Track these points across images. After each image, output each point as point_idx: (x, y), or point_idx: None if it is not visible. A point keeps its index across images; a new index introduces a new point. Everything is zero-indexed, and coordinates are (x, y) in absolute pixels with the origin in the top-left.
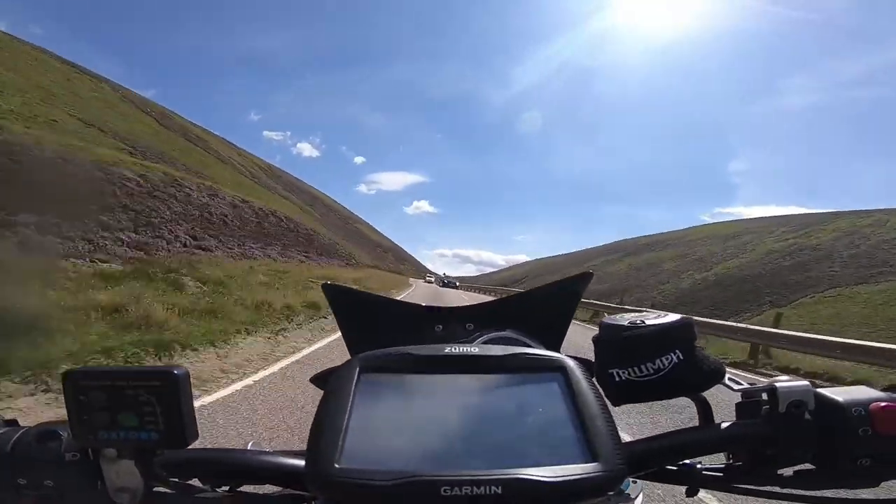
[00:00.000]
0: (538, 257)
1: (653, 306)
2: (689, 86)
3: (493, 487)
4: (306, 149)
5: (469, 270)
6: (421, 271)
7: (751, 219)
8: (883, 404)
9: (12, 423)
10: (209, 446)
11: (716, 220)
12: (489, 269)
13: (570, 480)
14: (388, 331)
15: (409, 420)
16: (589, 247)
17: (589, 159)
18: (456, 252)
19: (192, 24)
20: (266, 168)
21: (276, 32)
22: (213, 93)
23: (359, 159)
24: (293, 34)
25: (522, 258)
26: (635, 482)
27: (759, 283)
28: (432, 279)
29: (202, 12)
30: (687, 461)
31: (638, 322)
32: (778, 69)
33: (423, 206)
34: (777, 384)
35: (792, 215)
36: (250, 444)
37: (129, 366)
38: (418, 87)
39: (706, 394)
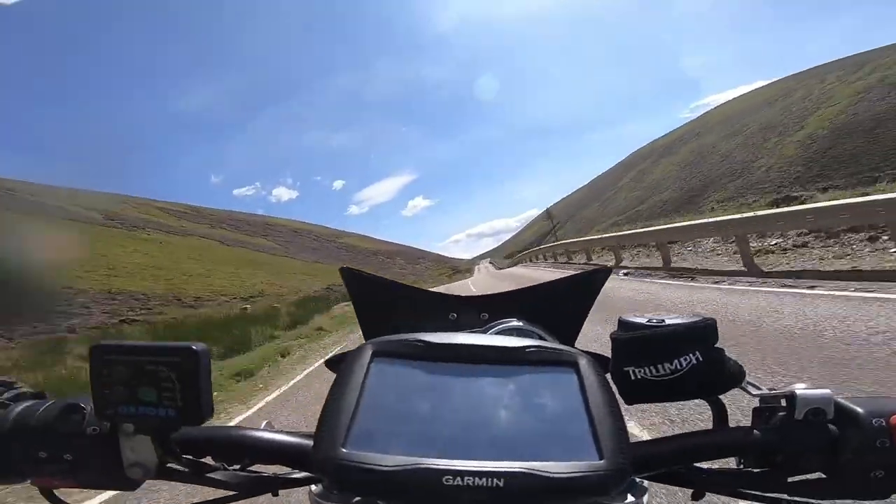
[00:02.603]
0: (551, 203)
1: (766, 193)
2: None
3: (496, 480)
4: (283, 193)
5: (488, 244)
6: (444, 264)
7: (774, 81)
8: None
9: (39, 395)
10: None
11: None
12: (507, 236)
13: (573, 477)
14: (403, 317)
15: (419, 407)
16: (602, 171)
17: (550, 100)
18: (468, 232)
19: (110, 107)
20: (189, 210)
21: (201, 90)
22: (161, 169)
23: (338, 183)
24: (218, 86)
25: (534, 212)
26: (641, 482)
27: None
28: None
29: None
30: (696, 464)
31: (657, 321)
32: None
33: (419, 202)
34: (797, 391)
35: (846, 58)
36: (263, 423)
37: (153, 341)
38: (365, 93)
39: (725, 397)
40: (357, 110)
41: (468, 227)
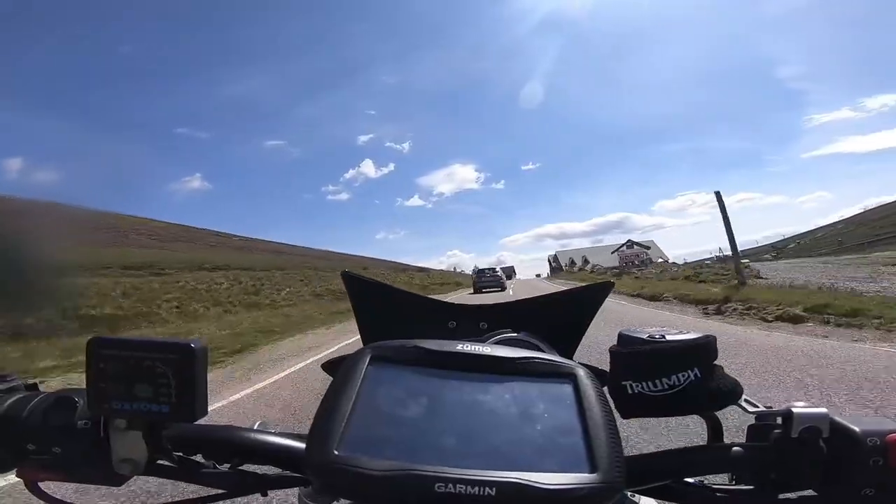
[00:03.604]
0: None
1: None
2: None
3: (487, 489)
4: (369, 168)
5: (552, 247)
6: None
7: None
8: None
9: (33, 388)
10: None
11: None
12: (585, 242)
13: (565, 489)
14: (402, 323)
15: (414, 413)
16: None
17: (623, 105)
18: (536, 233)
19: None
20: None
21: (249, 79)
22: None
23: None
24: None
25: (603, 219)
26: (633, 496)
27: None
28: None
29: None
30: (689, 479)
31: (657, 336)
32: None
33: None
34: (793, 409)
35: None
36: (257, 423)
37: (150, 337)
38: (421, 85)
39: (720, 414)
40: (406, 99)
41: (533, 227)
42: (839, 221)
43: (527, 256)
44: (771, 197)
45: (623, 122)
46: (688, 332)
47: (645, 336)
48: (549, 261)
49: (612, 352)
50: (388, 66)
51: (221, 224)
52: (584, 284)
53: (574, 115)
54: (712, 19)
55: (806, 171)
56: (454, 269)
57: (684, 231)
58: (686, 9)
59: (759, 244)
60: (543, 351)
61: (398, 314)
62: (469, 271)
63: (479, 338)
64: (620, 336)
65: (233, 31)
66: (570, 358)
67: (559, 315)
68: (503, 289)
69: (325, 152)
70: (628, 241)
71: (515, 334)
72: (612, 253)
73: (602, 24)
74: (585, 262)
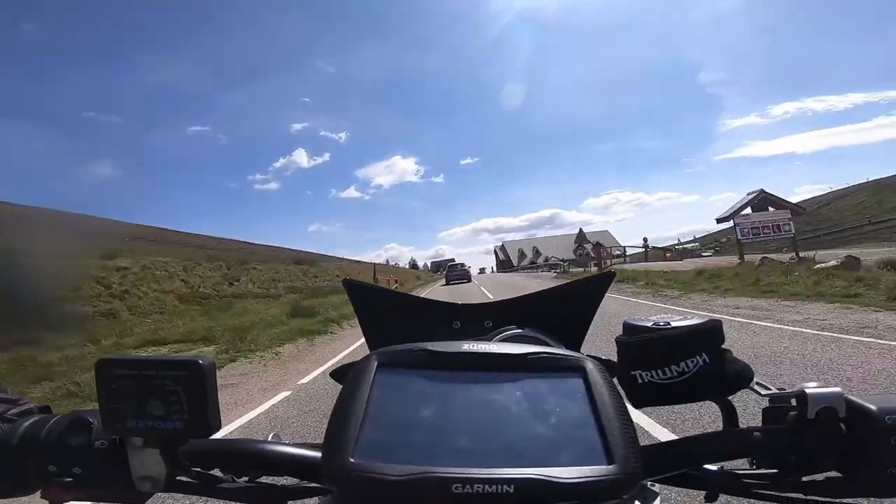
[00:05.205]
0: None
1: None
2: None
3: (505, 486)
4: (301, 158)
5: (488, 241)
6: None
7: None
8: None
9: (46, 410)
10: None
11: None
12: (519, 236)
13: (583, 482)
14: (407, 326)
15: (426, 416)
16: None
17: (557, 107)
18: (473, 227)
19: None
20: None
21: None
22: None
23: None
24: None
25: (536, 214)
26: (652, 486)
27: None
28: None
29: None
30: (707, 466)
31: (662, 324)
32: None
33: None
34: (807, 389)
35: None
36: (271, 435)
37: (159, 355)
38: (361, 75)
39: (733, 399)
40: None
41: (468, 221)
42: None
43: (464, 250)
44: (687, 196)
45: (557, 120)
46: (692, 318)
47: (650, 324)
48: (495, 252)
49: (619, 342)
50: (325, 55)
51: (126, 214)
52: (585, 277)
53: (512, 112)
54: (643, 23)
55: (718, 173)
56: (387, 262)
57: (609, 227)
58: (618, 13)
59: (682, 240)
60: (550, 345)
61: (402, 318)
62: (405, 264)
63: (485, 336)
64: (626, 325)
65: (155, 11)
66: (578, 350)
67: (563, 309)
68: (469, 280)
69: (254, 140)
70: (759, 191)
71: (521, 330)
72: (719, 220)
73: (545, 24)
74: (537, 253)
